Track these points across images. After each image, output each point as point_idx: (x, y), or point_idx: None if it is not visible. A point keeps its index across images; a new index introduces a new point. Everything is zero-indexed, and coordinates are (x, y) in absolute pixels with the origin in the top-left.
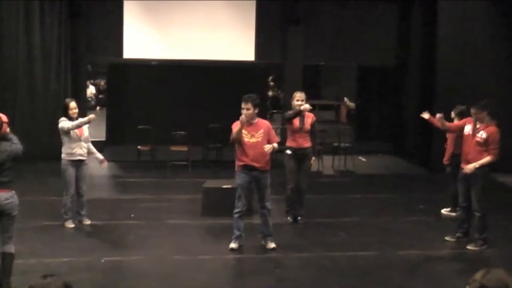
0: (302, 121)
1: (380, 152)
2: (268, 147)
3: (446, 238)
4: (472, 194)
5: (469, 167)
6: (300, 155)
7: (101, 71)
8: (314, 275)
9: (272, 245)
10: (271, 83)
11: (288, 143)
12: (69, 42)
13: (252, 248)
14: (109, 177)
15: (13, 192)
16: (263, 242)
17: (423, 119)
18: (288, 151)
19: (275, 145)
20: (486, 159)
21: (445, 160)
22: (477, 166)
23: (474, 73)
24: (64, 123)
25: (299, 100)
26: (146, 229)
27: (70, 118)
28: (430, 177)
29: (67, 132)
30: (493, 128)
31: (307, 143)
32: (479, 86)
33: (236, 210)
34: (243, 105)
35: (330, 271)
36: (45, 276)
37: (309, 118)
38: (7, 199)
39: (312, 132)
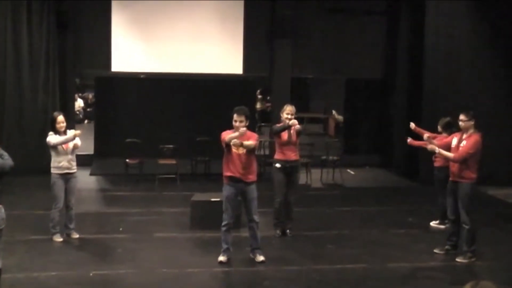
0: (289, 134)
1: (368, 165)
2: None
3: (435, 250)
4: (460, 207)
5: (431, 146)
6: (289, 168)
7: (89, 84)
8: None
9: (260, 258)
10: (260, 96)
11: (276, 156)
12: (57, 55)
13: (241, 261)
14: (97, 191)
15: (0, 206)
16: (251, 255)
17: (411, 131)
18: (277, 164)
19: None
20: (448, 153)
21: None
22: (436, 150)
23: (462, 85)
24: (50, 137)
25: (289, 114)
26: (134, 242)
27: (58, 132)
28: (419, 190)
29: (53, 146)
30: (474, 137)
31: (295, 156)
32: (467, 98)
33: (223, 223)
34: (236, 117)
35: (318, 284)
36: None
37: (295, 130)
38: None
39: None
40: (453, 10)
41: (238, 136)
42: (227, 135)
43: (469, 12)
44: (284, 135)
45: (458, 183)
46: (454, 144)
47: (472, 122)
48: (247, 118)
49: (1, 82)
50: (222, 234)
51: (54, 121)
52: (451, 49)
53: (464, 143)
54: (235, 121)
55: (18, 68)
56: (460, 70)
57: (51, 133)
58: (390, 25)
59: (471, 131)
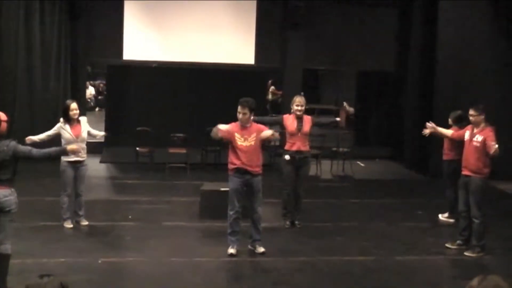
0: (300, 124)
1: (378, 157)
2: (265, 133)
3: (447, 245)
4: (471, 201)
5: (495, 147)
6: (298, 160)
7: (100, 72)
8: (311, 279)
9: (261, 249)
10: (272, 87)
11: (286, 147)
12: (69, 43)
13: (249, 251)
14: (107, 179)
15: (13, 189)
16: (250, 247)
17: (422, 124)
18: (287, 156)
19: (269, 132)
20: (490, 151)
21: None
22: (495, 146)
23: (474, 77)
24: (61, 131)
25: (298, 105)
26: (143, 231)
27: (70, 119)
28: (428, 183)
29: (63, 135)
30: (488, 130)
31: (305, 147)
32: (479, 90)
33: (231, 213)
34: (240, 109)
35: (326, 275)
36: (41, 276)
37: (307, 122)
38: (5, 196)
39: (319, 124)
40: (466, 3)
41: (215, 135)
42: (225, 128)
43: (483, 5)
44: (292, 126)
45: (471, 177)
46: (467, 138)
47: (482, 116)
48: (251, 110)
49: (13, 70)
50: (231, 225)
51: (67, 108)
52: (463, 42)
53: (477, 137)
54: (239, 112)
55: (30, 56)
56: (473, 63)
57: (62, 120)
58: (403, 17)
59: (482, 125)
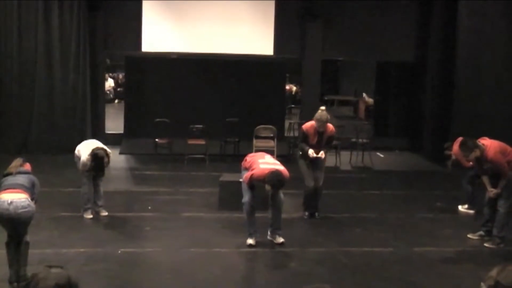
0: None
1: (397, 148)
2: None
3: (469, 235)
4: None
5: (494, 192)
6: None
7: (119, 64)
8: (329, 270)
9: (280, 239)
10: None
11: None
12: (87, 35)
13: (268, 242)
14: (126, 170)
15: (29, 199)
16: (269, 238)
17: (442, 115)
18: (310, 151)
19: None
20: (502, 182)
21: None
22: (499, 191)
23: (494, 69)
24: (83, 160)
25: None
26: (162, 222)
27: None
28: (447, 174)
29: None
30: (490, 156)
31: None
32: (499, 83)
33: (247, 204)
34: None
35: (345, 266)
36: (50, 266)
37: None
38: (24, 207)
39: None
40: None
41: None
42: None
43: None
44: (313, 139)
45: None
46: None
47: (472, 152)
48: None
49: (33, 62)
50: (249, 215)
51: (102, 163)
52: (485, 32)
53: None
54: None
55: (49, 48)
56: (493, 54)
57: (89, 163)
58: (422, 7)
59: (478, 153)
